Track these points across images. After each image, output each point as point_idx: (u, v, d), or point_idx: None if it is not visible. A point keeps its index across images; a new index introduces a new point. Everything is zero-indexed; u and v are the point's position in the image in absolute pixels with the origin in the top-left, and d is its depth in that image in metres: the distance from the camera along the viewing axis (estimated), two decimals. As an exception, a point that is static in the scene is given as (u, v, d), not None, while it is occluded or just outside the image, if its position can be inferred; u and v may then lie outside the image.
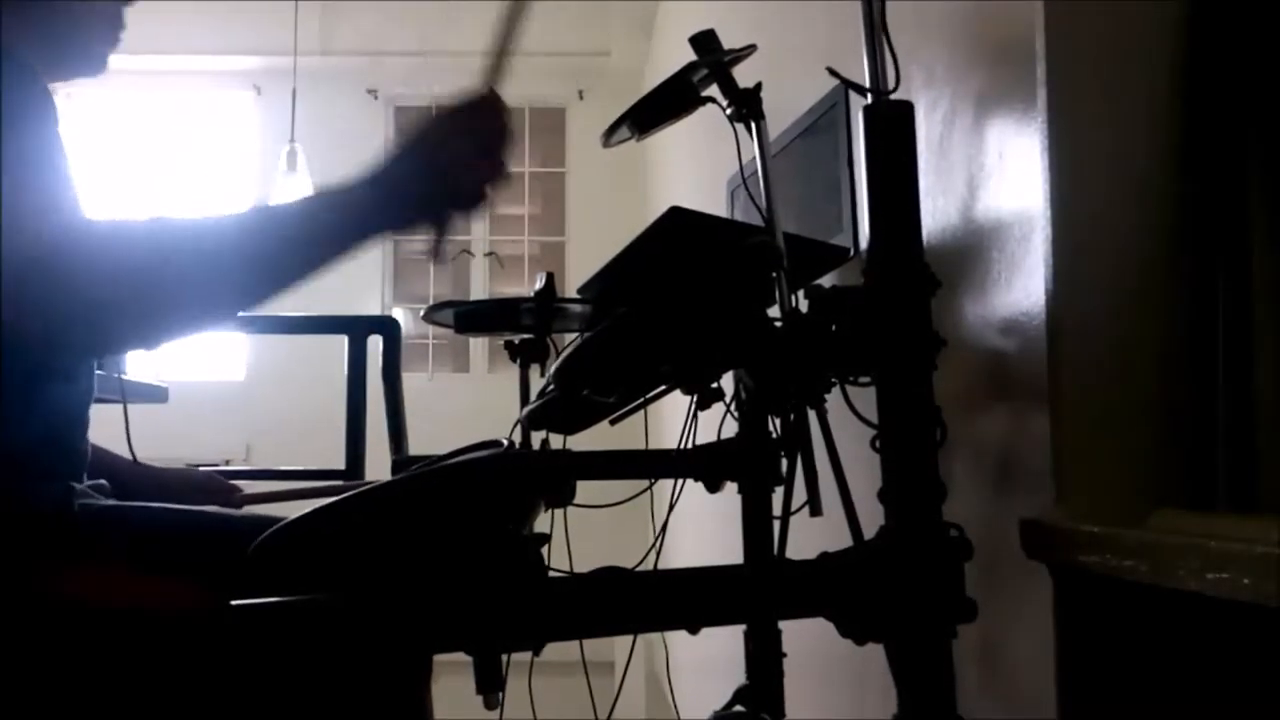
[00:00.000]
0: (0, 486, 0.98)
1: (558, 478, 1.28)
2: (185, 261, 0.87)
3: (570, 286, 4.58)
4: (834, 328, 1.11)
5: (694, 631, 1.08)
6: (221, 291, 0.89)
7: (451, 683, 1.41)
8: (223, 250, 0.88)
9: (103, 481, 1.22)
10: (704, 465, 1.35)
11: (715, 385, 1.35)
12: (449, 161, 0.93)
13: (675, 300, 1.27)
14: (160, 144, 5.47)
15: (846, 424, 1.13)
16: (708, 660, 2.77)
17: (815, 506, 1.11)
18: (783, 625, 1.38)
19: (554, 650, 1.05)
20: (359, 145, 5.87)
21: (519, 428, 1.70)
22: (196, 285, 0.88)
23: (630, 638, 1.56)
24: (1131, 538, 0.94)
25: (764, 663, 1.36)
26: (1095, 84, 1.10)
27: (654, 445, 1.67)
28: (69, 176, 0.93)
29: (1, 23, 0.97)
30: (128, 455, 1.37)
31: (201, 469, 1.53)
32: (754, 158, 1.27)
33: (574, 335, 2.13)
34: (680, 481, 1.45)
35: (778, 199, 1.24)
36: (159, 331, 0.89)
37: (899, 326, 1.07)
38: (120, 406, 1.40)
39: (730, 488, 1.37)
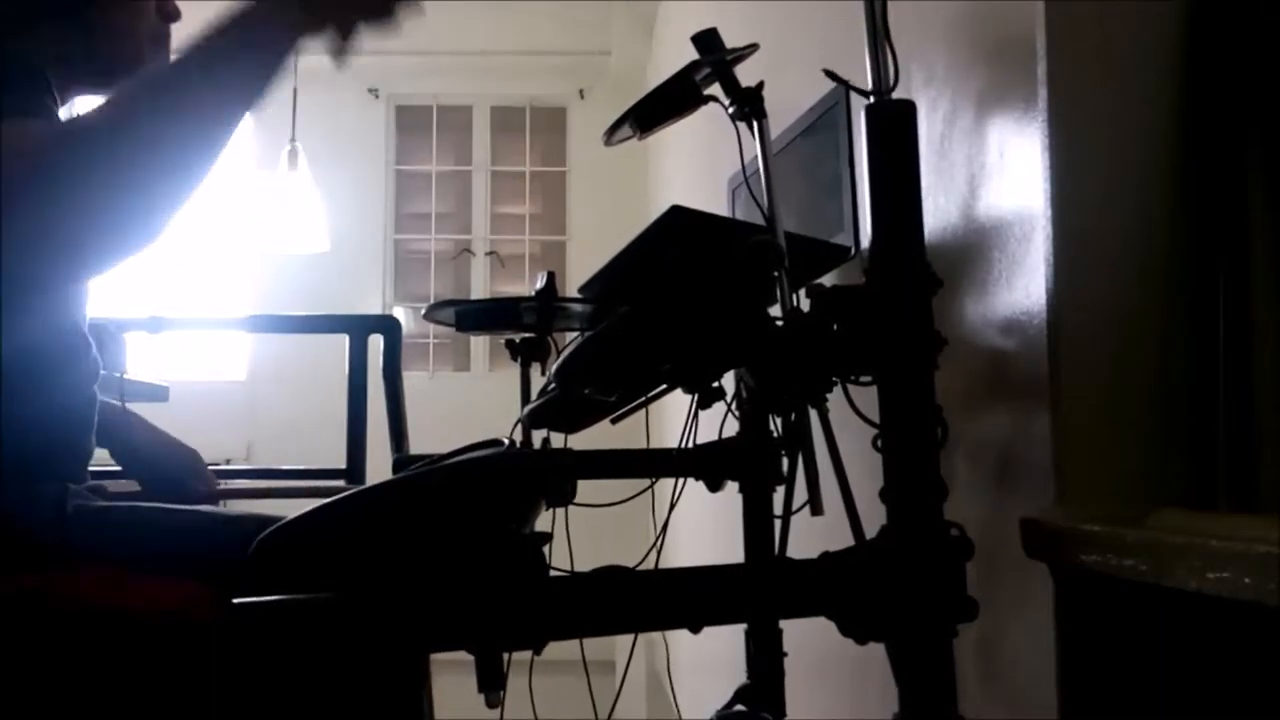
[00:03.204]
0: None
1: (558, 477, 1.28)
2: (150, 118, 0.85)
3: (571, 285, 4.58)
4: (835, 327, 1.11)
5: (695, 631, 1.08)
6: (190, 129, 0.87)
7: (452, 682, 1.41)
8: (170, 93, 0.87)
9: (99, 483, 1.22)
10: (705, 464, 1.35)
11: (716, 384, 1.35)
12: None
13: (676, 299, 1.27)
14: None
15: (848, 423, 1.13)
16: (709, 659, 2.77)
17: (816, 506, 1.11)
18: (784, 624, 1.38)
19: (555, 649, 1.05)
20: (360, 144, 5.86)
21: (520, 427, 1.70)
22: (168, 131, 0.86)
23: (631, 637, 1.56)
24: (1132, 537, 0.94)
25: (765, 662, 1.36)
26: (1096, 83, 1.10)
27: (655, 444, 1.67)
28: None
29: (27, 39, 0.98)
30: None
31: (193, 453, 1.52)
32: (755, 156, 1.27)
33: (575, 334, 2.13)
34: (681, 481, 1.45)
35: (779, 198, 1.24)
36: (157, 191, 0.86)
37: (900, 326, 1.07)
38: (124, 405, 1.40)
39: (731, 487, 1.37)
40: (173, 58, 0.90)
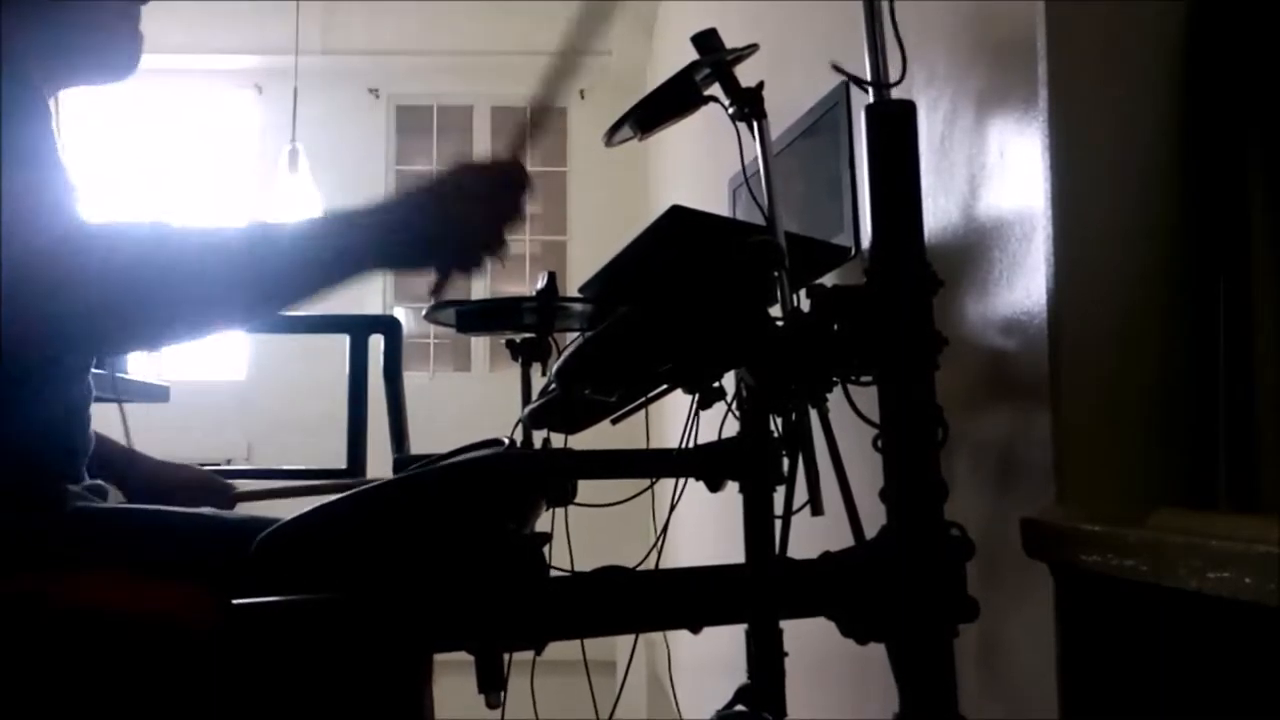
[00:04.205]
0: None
1: (559, 477, 1.28)
2: (185, 272, 0.87)
3: (571, 285, 4.57)
4: (835, 327, 1.11)
5: (695, 631, 1.08)
6: (220, 304, 0.90)
7: (453, 682, 1.41)
8: (223, 263, 0.88)
9: (100, 482, 1.22)
10: (705, 464, 1.34)
11: (717, 384, 1.35)
12: (462, 213, 0.94)
13: (677, 299, 1.27)
14: (162, 143, 5.47)
15: (848, 423, 1.13)
16: (709, 659, 2.77)
17: (817, 506, 1.11)
18: (784, 625, 1.38)
19: (556, 649, 1.05)
20: (361, 144, 5.86)
21: (520, 427, 1.70)
22: (195, 296, 0.88)
23: (632, 637, 1.56)
24: (1132, 537, 0.94)
25: (765, 662, 1.36)
26: (1096, 83, 1.10)
27: (655, 444, 1.67)
28: (66, 178, 0.93)
29: (11, 29, 0.98)
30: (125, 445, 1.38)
31: (199, 468, 1.53)
32: (756, 157, 1.27)
33: (575, 334, 2.13)
34: (681, 481, 1.45)
35: (779, 198, 1.24)
36: (156, 337, 0.90)
37: (900, 326, 1.07)
38: (121, 405, 1.40)
39: (731, 487, 1.37)
40: (261, 229, 0.92)
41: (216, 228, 0.90)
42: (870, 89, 1.12)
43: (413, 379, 2.61)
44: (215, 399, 4.97)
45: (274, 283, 0.91)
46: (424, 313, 2.25)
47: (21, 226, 0.82)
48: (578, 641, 1.18)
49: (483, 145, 5.55)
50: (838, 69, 1.17)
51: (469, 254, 0.96)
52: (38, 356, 0.91)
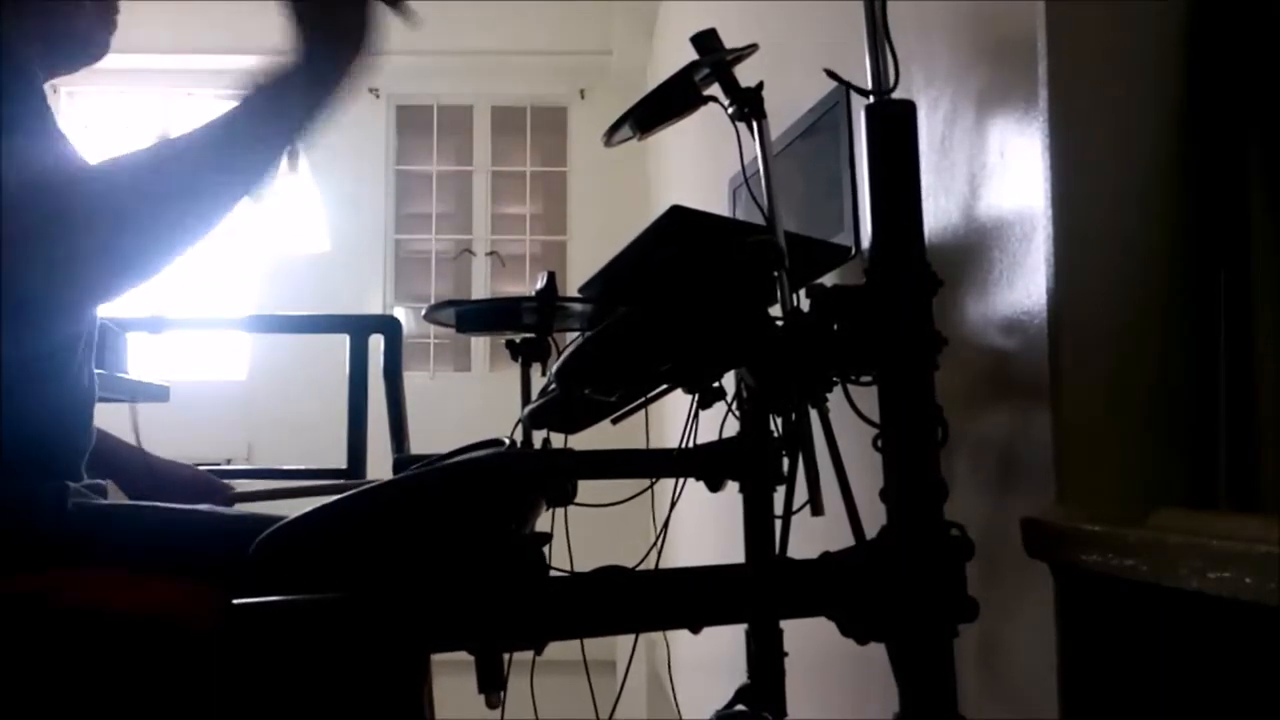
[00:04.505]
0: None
1: (559, 477, 1.28)
2: (183, 163, 0.91)
3: (571, 285, 4.58)
4: (835, 327, 1.11)
5: (695, 631, 1.08)
6: (225, 175, 0.94)
7: (453, 682, 1.41)
8: (214, 139, 0.93)
9: (100, 481, 1.22)
10: (705, 464, 1.35)
11: (716, 384, 1.35)
12: None
13: (677, 299, 1.27)
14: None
15: (848, 423, 1.13)
16: (709, 659, 2.77)
17: (817, 506, 1.11)
18: (784, 624, 1.38)
19: (556, 649, 1.05)
20: (361, 144, 5.86)
21: (520, 427, 1.70)
22: (199, 181, 0.92)
23: (632, 637, 1.56)
24: (1133, 537, 0.94)
25: (766, 662, 1.36)
26: (1096, 83, 1.10)
27: (655, 444, 1.67)
28: (69, 144, 0.97)
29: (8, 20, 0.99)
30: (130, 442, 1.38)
31: (197, 467, 1.53)
32: (755, 157, 1.27)
33: (575, 334, 2.13)
34: (681, 481, 1.45)
35: (779, 198, 1.24)
36: (177, 231, 0.91)
37: (900, 325, 1.07)
38: (121, 405, 1.40)
39: (732, 487, 1.37)
40: (204, 123, 0.94)
41: (181, 139, 0.92)
42: (870, 96, 1.12)
43: (413, 379, 2.62)
44: (215, 399, 4.97)
45: (245, 165, 0.97)
46: (424, 313, 2.25)
47: (30, 171, 0.85)
48: (578, 641, 1.18)
49: (483, 145, 5.55)
50: (833, 75, 1.17)
51: None
52: (52, 300, 0.92)
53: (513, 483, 1.14)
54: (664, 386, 1.38)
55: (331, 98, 0.98)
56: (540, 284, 2.05)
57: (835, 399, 1.15)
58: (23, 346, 0.96)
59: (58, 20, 1.13)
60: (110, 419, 1.30)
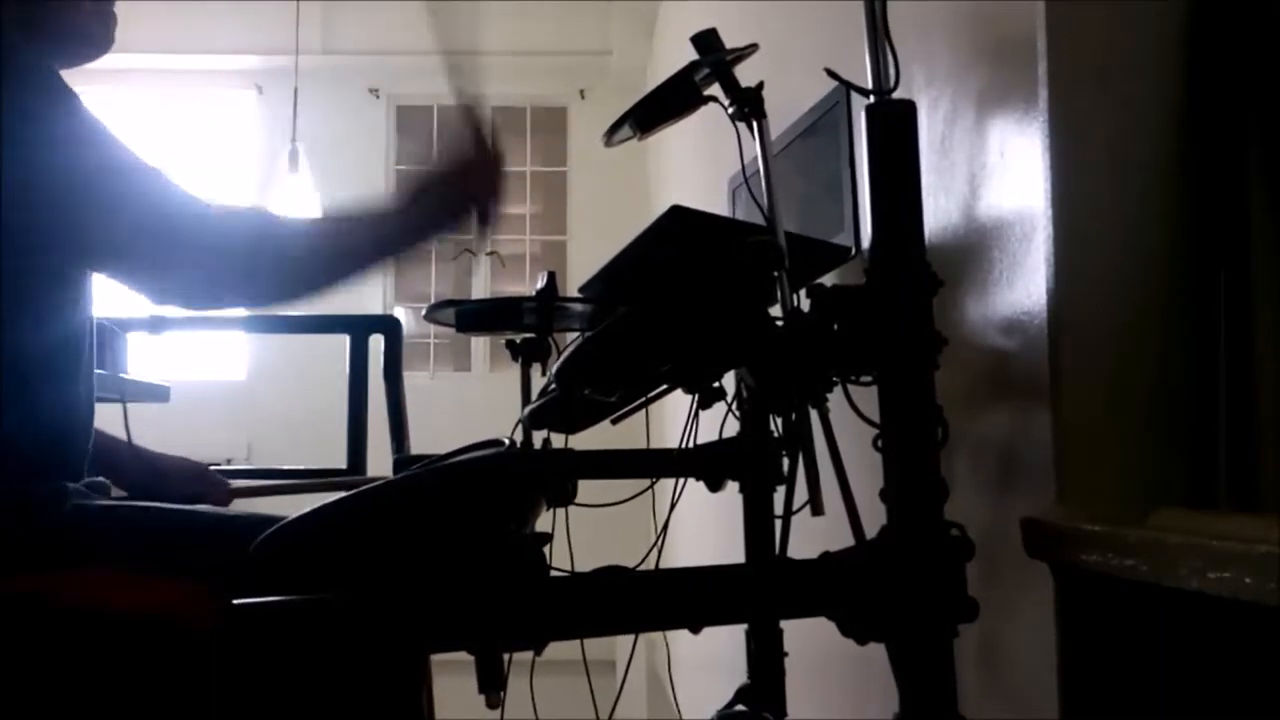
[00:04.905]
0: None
1: (559, 477, 1.28)
2: (342, 242, 1.18)
3: (572, 285, 4.57)
4: (835, 327, 1.11)
5: (695, 631, 1.08)
6: (359, 263, 1.19)
7: (453, 682, 1.41)
8: (360, 236, 1.18)
9: (100, 480, 1.22)
10: (705, 464, 1.35)
11: (717, 384, 1.35)
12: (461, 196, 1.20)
13: (677, 299, 1.27)
14: (162, 143, 5.47)
15: (848, 423, 1.13)
16: (709, 659, 2.77)
17: (817, 506, 1.11)
18: (784, 624, 1.38)
19: (555, 649, 1.05)
20: (361, 144, 5.85)
21: (520, 427, 1.70)
22: (351, 256, 1.18)
23: (632, 637, 1.56)
24: (1133, 537, 0.94)
25: (766, 662, 1.36)
26: (1096, 83, 1.10)
27: (655, 444, 1.67)
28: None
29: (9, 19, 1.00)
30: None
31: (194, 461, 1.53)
32: (755, 157, 1.27)
33: (575, 334, 2.13)
34: (681, 481, 1.45)
35: (779, 198, 1.24)
36: (320, 290, 1.16)
37: (901, 326, 1.07)
38: (116, 406, 1.40)
39: (732, 487, 1.37)
40: (360, 226, 1.19)
41: (347, 215, 1.21)
42: (870, 96, 1.12)
43: (413, 379, 2.61)
44: (215, 399, 4.97)
45: (387, 249, 1.21)
46: (424, 312, 2.25)
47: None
48: (578, 641, 1.18)
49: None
50: (833, 75, 1.17)
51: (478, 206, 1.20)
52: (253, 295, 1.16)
53: (513, 483, 1.14)
54: (664, 386, 1.38)
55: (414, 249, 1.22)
56: (540, 284, 2.05)
57: (835, 399, 1.15)
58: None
59: (62, 16, 1.14)
60: (104, 417, 1.30)
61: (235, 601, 0.91)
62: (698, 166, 3.46)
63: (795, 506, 1.18)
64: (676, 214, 1.28)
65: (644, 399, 1.40)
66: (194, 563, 1.02)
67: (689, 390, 1.34)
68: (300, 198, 4.23)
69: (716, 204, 2.75)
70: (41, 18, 1.12)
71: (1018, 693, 1.18)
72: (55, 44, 1.14)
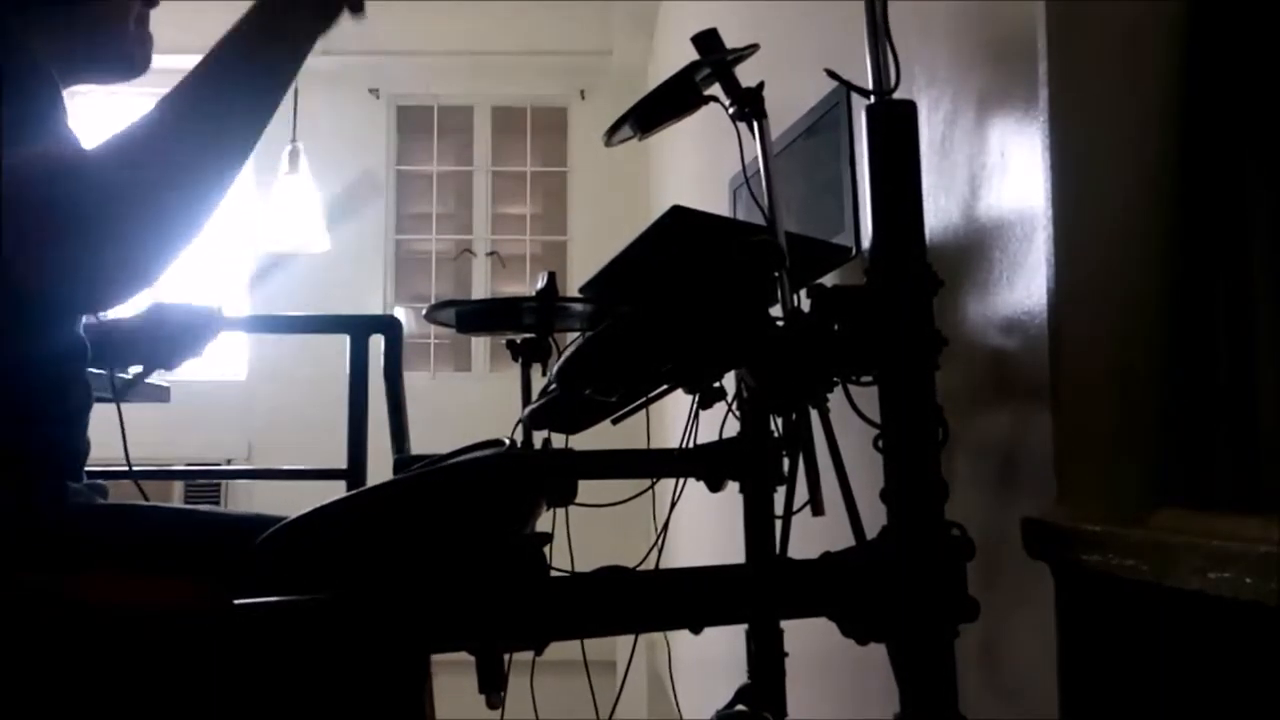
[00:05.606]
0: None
1: (559, 477, 1.28)
2: (188, 123, 0.97)
3: (572, 286, 4.58)
4: (836, 327, 1.11)
5: (696, 631, 1.08)
6: (236, 104, 0.99)
7: (453, 682, 1.41)
8: (213, 91, 0.99)
9: (100, 481, 1.22)
10: (706, 464, 1.35)
11: (717, 384, 1.35)
12: None
13: (677, 299, 1.27)
14: (162, 143, 5.46)
15: (848, 423, 1.13)
16: (710, 659, 2.77)
17: (817, 506, 1.11)
18: (785, 625, 1.38)
19: (556, 649, 1.05)
20: (361, 144, 5.86)
21: (521, 427, 1.70)
22: (219, 101, 0.99)
23: (632, 637, 1.56)
24: (1133, 537, 0.94)
25: (766, 662, 1.36)
26: (1097, 83, 1.10)
27: (656, 444, 1.67)
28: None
29: (26, 30, 1.00)
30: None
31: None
32: (756, 157, 1.27)
33: (576, 334, 2.13)
34: (682, 481, 1.45)
35: (780, 198, 1.24)
36: (204, 185, 0.96)
37: (901, 326, 1.07)
38: (119, 406, 1.40)
39: (732, 487, 1.37)
40: (205, 57, 0.99)
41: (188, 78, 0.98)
42: (871, 96, 1.12)
43: (413, 379, 2.61)
44: (215, 399, 4.97)
45: (260, 84, 1.01)
46: (424, 312, 2.25)
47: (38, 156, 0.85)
48: (578, 641, 1.18)
49: (483, 145, 5.55)
50: (833, 75, 1.17)
51: None
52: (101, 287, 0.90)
53: (513, 483, 1.14)
54: (664, 387, 1.38)
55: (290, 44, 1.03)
56: (540, 284, 2.05)
57: (835, 399, 1.15)
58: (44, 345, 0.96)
59: (110, 43, 1.17)
60: (105, 419, 1.30)
61: (236, 601, 0.91)
62: (698, 166, 3.46)
63: (795, 506, 1.18)
64: (677, 214, 1.29)
65: (644, 399, 1.40)
66: (195, 562, 1.02)
67: (689, 390, 1.34)
68: (300, 198, 4.23)
69: (717, 204, 2.75)
70: (89, 40, 1.13)
71: (1018, 693, 1.18)
72: (99, 65, 1.15)
